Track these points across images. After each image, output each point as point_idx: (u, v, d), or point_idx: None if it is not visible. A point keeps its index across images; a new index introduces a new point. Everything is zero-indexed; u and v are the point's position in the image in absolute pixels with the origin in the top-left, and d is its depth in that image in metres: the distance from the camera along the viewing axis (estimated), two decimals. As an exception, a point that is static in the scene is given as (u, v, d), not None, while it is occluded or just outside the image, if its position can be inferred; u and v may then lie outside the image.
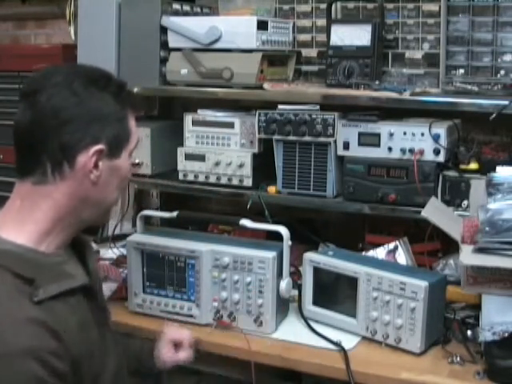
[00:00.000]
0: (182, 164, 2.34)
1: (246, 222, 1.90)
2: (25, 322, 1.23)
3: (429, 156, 1.98)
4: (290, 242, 1.86)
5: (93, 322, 1.42)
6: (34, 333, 1.22)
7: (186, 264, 1.92)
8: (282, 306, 1.92)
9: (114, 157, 1.41)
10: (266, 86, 2.20)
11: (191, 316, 1.92)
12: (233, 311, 1.89)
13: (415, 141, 1.99)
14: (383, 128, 2.03)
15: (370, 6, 2.24)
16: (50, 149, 1.34)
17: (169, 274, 1.95)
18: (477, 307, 1.77)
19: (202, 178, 2.31)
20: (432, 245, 2.11)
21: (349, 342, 1.79)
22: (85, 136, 1.36)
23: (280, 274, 1.86)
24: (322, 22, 2.32)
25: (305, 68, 2.42)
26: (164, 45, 2.35)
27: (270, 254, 1.84)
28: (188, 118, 2.34)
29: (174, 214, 1.99)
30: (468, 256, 1.65)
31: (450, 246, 1.99)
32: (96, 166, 1.37)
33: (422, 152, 1.98)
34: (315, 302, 1.93)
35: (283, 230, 1.85)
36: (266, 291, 1.85)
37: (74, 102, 1.36)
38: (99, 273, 1.61)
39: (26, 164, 1.37)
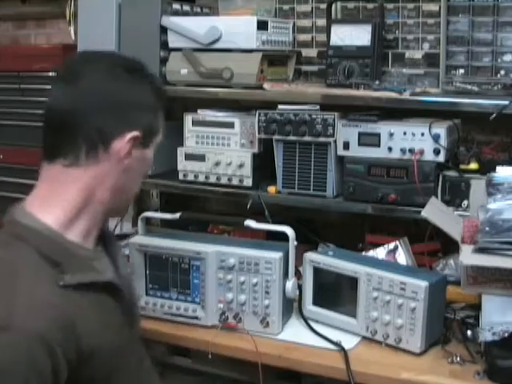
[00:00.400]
0: (182, 164, 2.33)
1: (250, 223, 1.90)
2: (44, 305, 1.22)
3: (429, 156, 1.98)
4: (295, 243, 1.86)
5: (118, 322, 1.40)
6: (50, 318, 1.21)
7: (190, 266, 1.91)
8: (288, 307, 1.92)
9: (144, 146, 1.42)
10: (265, 85, 2.20)
11: (196, 318, 1.91)
12: (239, 312, 1.88)
13: (415, 141, 1.99)
14: (383, 128, 2.03)
15: (370, 6, 2.24)
16: (88, 132, 1.33)
17: (172, 275, 1.94)
18: (477, 307, 1.77)
19: (201, 178, 2.31)
20: (432, 245, 2.11)
21: (349, 342, 1.79)
22: (123, 122, 1.36)
23: (286, 275, 1.86)
24: (322, 21, 2.32)
25: (305, 68, 2.42)
26: (164, 45, 2.35)
27: (277, 255, 1.84)
28: (188, 118, 2.34)
29: (177, 215, 1.99)
30: (468, 256, 1.65)
31: (450, 246, 1.98)
32: (129, 152, 1.37)
33: (422, 152, 1.98)
34: (315, 302, 1.92)
35: (289, 231, 1.85)
36: (272, 292, 1.84)
37: (115, 87, 1.36)
38: (130, 276, 1.60)
39: (58, 146, 1.36)
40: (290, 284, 1.86)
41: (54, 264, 1.28)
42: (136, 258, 1.96)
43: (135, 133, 1.37)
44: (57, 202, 1.35)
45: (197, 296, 1.91)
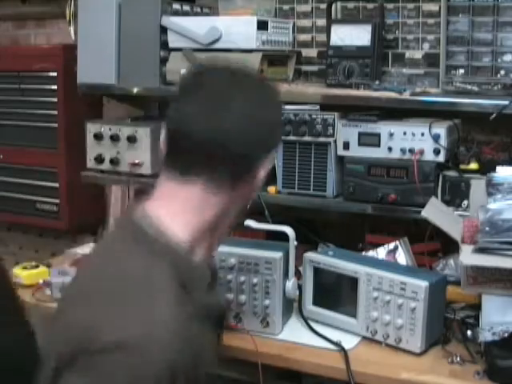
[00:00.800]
0: (182, 164, 2.33)
1: (250, 223, 1.90)
2: (180, 329, 1.17)
3: (429, 156, 1.98)
4: (295, 243, 1.86)
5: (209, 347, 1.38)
6: (183, 345, 1.16)
7: (189, 266, 1.91)
8: (288, 307, 1.92)
9: None
10: (266, 86, 2.20)
11: (195, 318, 1.91)
12: (239, 312, 1.87)
13: (415, 141, 1.99)
14: (383, 128, 2.03)
15: (370, 5, 2.24)
16: (235, 159, 1.27)
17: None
18: (477, 307, 1.77)
19: (202, 178, 2.31)
20: (432, 245, 2.11)
21: (349, 342, 1.79)
22: (266, 149, 1.32)
23: (286, 275, 1.86)
24: (322, 21, 2.32)
25: (305, 68, 2.42)
26: (164, 45, 2.34)
27: (277, 255, 1.83)
28: (188, 118, 2.33)
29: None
30: (468, 256, 1.65)
31: (450, 246, 1.98)
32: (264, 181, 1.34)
33: (421, 152, 1.98)
34: (315, 302, 1.92)
35: (289, 231, 1.85)
36: (272, 292, 1.84)
37: (263, 111, 1.30)
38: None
39: (200, 170, 1.27)
40: (290, 284, 1.86)
41: (183, 286, 1.23)
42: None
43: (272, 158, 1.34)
44: (192, 223, 1.28)
45: (196, 296, 1.91)
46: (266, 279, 1.85)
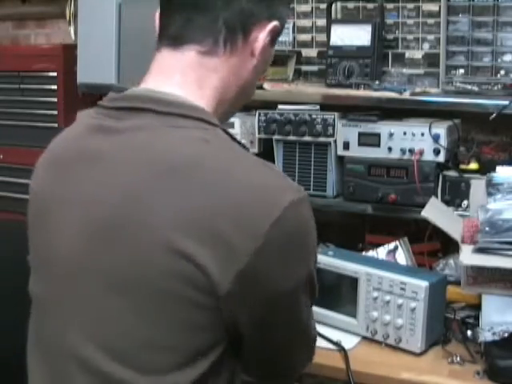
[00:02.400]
0: (182, 164, 2.33)
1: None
2: None
3: (429, 156, 1.98)
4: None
5: None
6: None
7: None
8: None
9: (272, 44, 1.22)
10: (266, 85, 2.19)
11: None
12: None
13: (415, 141, 1.99)
14: (383, 128, 2.04)
15: (370, 5, 2.24)
16: (230, 13, 1.14)
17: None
18: (477, 307, 1.77)
19: (202, 178, 2.31)
20: (432, 245, 2.11)
21: (349, 341, 1.79)
22: (266, 7, 1.17)
23: (285, 275, 1.86)
24: (322, 21, 2.32)
25: (305, 68, 2.42)
26: (164, 45, 2.34)
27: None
28: (188, 118, 2.33)
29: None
30: (468, 256, 1.65)
31: (449, 246, 1.99)
32: (266, 47, 1.19)
33: (421, 152, 1.98)
34: (315, 302, 1.91)
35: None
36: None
37: None
38: None
39: (194, 28, 1.14)
40: (290, 284, 1.85)
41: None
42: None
43: (276, 23, 1.18)
44: (198, 93, 1.16)
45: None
46: (266, 279, 1.84)
